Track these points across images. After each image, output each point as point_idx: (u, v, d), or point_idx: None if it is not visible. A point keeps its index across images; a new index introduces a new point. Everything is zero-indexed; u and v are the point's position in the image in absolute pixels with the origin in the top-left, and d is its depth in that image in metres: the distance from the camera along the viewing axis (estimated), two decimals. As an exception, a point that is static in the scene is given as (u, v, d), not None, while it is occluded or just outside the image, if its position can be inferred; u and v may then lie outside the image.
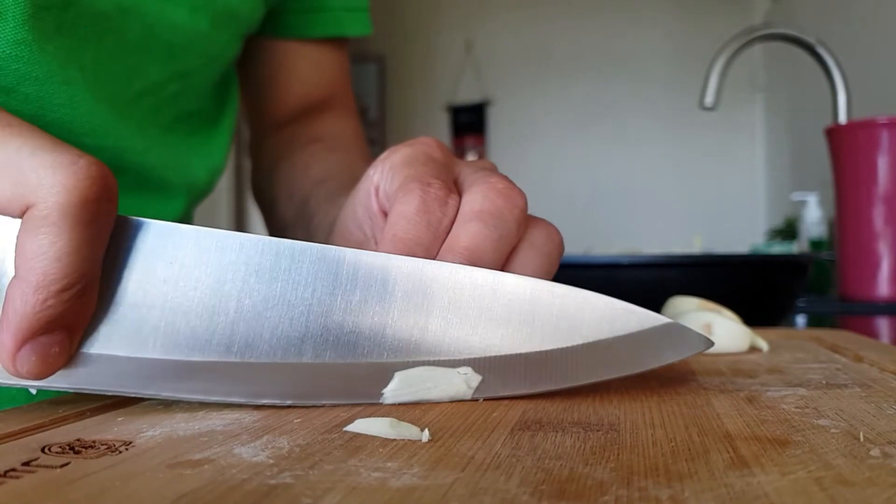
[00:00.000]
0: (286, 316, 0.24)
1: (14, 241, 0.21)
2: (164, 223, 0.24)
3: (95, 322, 0.23)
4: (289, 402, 0.25)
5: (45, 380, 0.23)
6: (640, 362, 0.26)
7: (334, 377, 0.25)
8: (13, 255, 0.21)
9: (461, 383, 0.25)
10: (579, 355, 0.26)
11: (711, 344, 0.27)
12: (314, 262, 0.24)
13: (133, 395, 0.24)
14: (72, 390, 0.24)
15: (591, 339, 0.25)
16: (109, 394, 0.24)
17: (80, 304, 0.22)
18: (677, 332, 0.26)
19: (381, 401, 0.25)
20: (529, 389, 0.26)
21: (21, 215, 0.21)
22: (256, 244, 0.24)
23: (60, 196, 0.21)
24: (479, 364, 0.25)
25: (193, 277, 0.24)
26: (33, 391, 0.24)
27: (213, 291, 0.24)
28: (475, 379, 0.25)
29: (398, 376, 0.25)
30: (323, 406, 0.25)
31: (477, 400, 0.26)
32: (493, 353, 0.25)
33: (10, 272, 0.21)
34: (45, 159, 0.21)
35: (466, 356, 0.25)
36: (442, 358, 0.25)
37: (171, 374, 0.24)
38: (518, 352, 0.25)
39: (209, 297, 0.24)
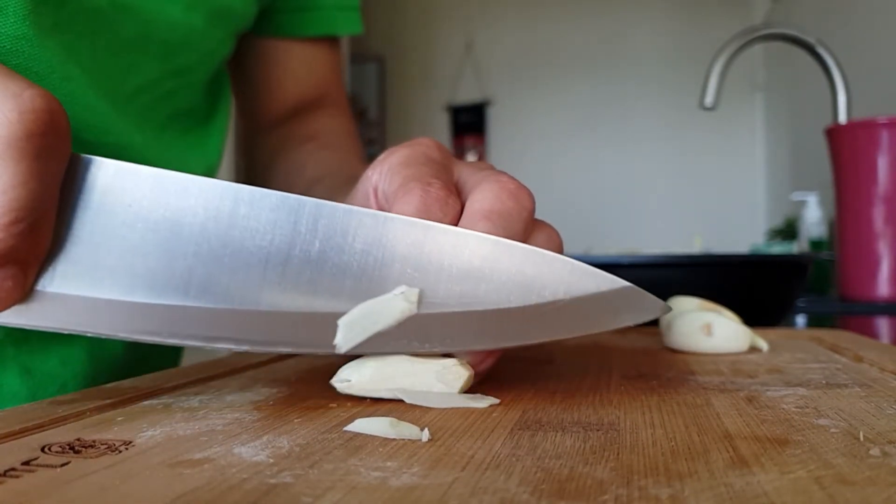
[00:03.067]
0: (243, 263, 0.24)
1: None
2: (123, 163, 0.24)
3: (51, 260, 0.23)
4: (245, 348, 0.25)
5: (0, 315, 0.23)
6: (596, 323, 0.26)
7: (290, 326, 0.25)
8: None
9: (403, 303, 0.25)
10: (536, 314, 0.25)
11: (669, 309, 0.27)
12: (273, 210, 0.24)
13: (88, 334, 0.24)
14: (27, 327, 0.24)
15: (547, 299, 0.25)
16: (65, 332, 0.24)
17: (32, 238, 0.22)
18: (634, 295, 0.26)
19: (336, 351, 0.25)
20: (485, 346, 0.26)
21: None
22: (216, 188, 0.24)
23: (2, 128, 0.20)
24: (434, 319, 0.25)
25: (152, 220, 0.24)
26: None
27: (170, 235, 0.24)
28: (413, 293, 0.25)
29: (341, 323, 0.25)
30: (278, 352, 0.25)
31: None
32: (450, 309, 0.25)
33: None
34: None
35: (423, 311, 0.25)
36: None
37: (128, 316, 0.24)
38: (474, 308, 0.25)
39: (167, 241, 0.24)
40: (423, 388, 0.26)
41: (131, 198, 0.24)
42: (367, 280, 0.25)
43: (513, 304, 0.25)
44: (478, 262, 0.25)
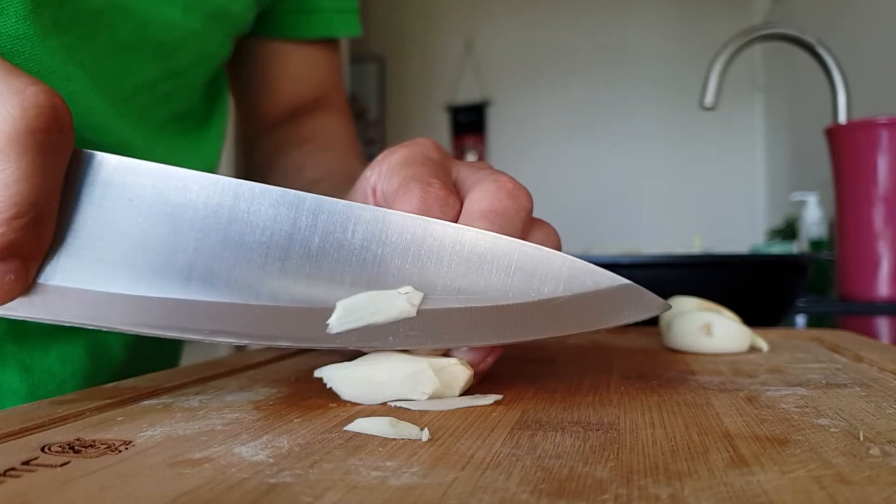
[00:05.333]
0: (243, 258, 0.24)
1: None
2: (124, 158, 0.24)
3: (54, 254, 0.23)
4: (245, 342, 0.25)
5: (1, 307, 0.23)
6: (595, 321, 0.26)
7: (289, 320, 0.25)
8: None
9: (404, 303, 0.25)
10: (535, 311, 0.25)
11: (668, 307, 0.27)
12: (274, 205, 0.25)
13: (89, 327, 0.24)
14: (29, 319, 0.24)
15: (546, 296, 0.25)
16: (66, 325, 0.24)
17: (34, 232, 0.22)
18: (634, 293, 0.26)
19: (328, 332, 0.25)
20: (482, 342, 0.26)
21: None
22: (217, 184, 0.24)
23: (6, 124, 0.21)
24: (432, 316, 0.25)
25: (153, 214, 0.24)
26: None
27: (172, 230, 0.24)
28: (417, 296, 0.25)
29: (340, 305, 0.25)
30: (278, 346, 0.25)
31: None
32: (448, 306, 0.25)
33: None
34: None
35: (422, 307, 0.25)
36: None
37: (129, 309, 0.24)
38: (472, 305, 0.25)
39: (168, 235, 0.24)
40: (385, 316, 0.25)
41: (132, 193, 0.24)
42: (366, 275, 0.25)
43: (511, 301, 0.25)
44: (476, 258, 0.25)
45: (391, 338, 0.25)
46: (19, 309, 0.23)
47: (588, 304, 0.26)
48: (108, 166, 0.24)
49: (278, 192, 0.25)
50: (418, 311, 0.25)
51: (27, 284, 0.23)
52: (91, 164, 0.24)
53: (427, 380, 0.26)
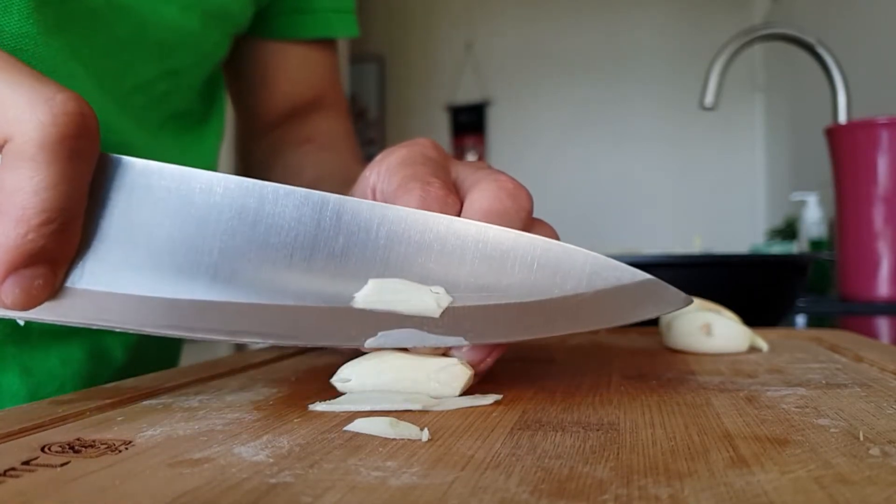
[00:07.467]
0: (268, 258, 0.24)
1: None
2: (149, 162, 0.24)
3: (80, 257, 0.24)
4: (270, 342, 0.25)
5: (29, 311, 0.23)
6: (618, 317, 0.26)
7: (314, 319, 0.25)
8: None
9: (432, 301, 0.25)
10: (558, 307, 0.26)
11: (690, 301, 0.27)
12: (298, 207, 0.25)
13: (116, 329, 0.24)
14: (56, 322, 0.24)
15: (569, 292, 0.26)
16: (93, 327, 0.24)
17: (62, 238, 0.22)
18: (656, 287, 0.26)
19: (351, 304, 0.25)
20: (506, 338, 0.26)
21: (0, 149, 0.21)
22: (241, 186, 0.24)
23: (36, 131, 0.21)
24: (456, 313, 0.25)
25: (178, 217, 0.24)
26: (21, 322, 0.24)
27: (196, 232, 0.24)
28: (446, 300, 0.25)
29: (372, 282, 0.25)
30: (303, 346, 0.26)
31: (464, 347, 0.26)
32: (472, 303, 0.25)
33: None
34: (22, 95, 0.21)
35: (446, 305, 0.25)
36: None
37: (155, 311, 0.24)
38: (496, 302, 0.25)
39: (193, 238, 0.24)
40: (410, 307, 0.25)
41: (157, 196, 0.24)
42: (389, 274, 0.25)
43: (534, 298, 0.25)
44: (499, 255, 0.25)
45: (412, 328, 0.25)
46: (47, 313, 0.24)
47: (611, 299, 0.26)
48: (133, 170, 0.24)
49: (302, 194, 0.25)
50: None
51: (54, 289, 0.23)
52: (116, 168, 0.24)
53: (459, 374, 0.26)
